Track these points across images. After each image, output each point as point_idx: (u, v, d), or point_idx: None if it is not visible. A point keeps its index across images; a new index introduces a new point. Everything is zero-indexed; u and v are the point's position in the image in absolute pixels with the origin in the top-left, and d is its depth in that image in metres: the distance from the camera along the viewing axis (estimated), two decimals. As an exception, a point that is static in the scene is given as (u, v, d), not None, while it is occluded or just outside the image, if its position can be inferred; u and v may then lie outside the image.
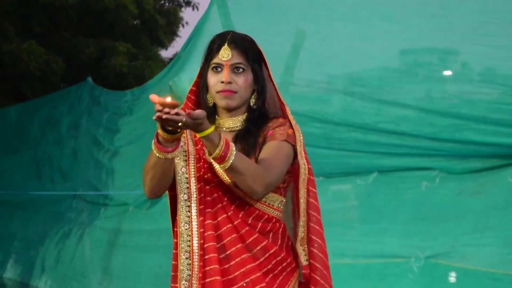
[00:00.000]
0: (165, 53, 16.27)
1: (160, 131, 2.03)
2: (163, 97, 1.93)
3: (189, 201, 2.20)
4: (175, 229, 2.25)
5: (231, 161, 2.03)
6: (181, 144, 2.17)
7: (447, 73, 4.33)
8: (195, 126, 1.98)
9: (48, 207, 8.66)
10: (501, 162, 4.12)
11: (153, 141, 2.08)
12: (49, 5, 11.03)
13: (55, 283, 7.79)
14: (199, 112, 1.96)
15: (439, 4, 4.35)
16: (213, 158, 2.05)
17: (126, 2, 12.08)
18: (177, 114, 1.91)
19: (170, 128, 2.00)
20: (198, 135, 2.02)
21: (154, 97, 1.92)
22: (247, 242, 2.18)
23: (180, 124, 1.94)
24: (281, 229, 2.29)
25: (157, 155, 2.07)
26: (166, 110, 1.91)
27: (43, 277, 8.06)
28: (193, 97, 2.39)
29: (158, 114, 1.92)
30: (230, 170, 2.07)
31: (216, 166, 2.18)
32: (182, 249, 2.20)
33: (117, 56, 12.01)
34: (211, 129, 2.01)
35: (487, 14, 4.17)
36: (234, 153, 2.04)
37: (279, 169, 2.18)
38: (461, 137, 4.14)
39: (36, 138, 9.07)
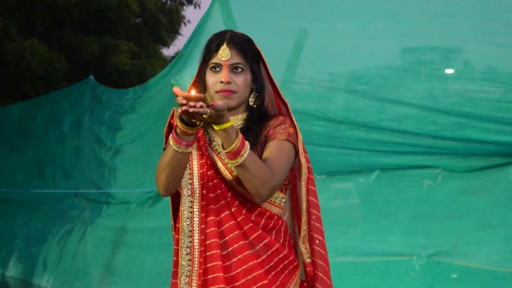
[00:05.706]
0: (167, 52, 16.34)
1: (179, 124, 2.03)
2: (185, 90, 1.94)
3: (192, 197, 2.20)
4: (177, 225, 2.26)
5: (244, 157, 2.04)
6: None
7: (450, 71, 4.32)
8: (218, 118, 1.99)
9: (50, 205, 8.67)
10: (504, 160, 4.12)
11: (170, 135, 2.08)
12: (52, 4, 11.02)
13: (57, 281, 7.79)
14: (222, 104, 1.97)
15: (442, 3, 4.34)
16: (227, 152, 2.05)
17: (128, 1, 12.06)
18: (201, 106, 1.92)
19: (194, 120, 2.00)
20: (216, 128, 2.02)
21: (177, 90, 1.94)
22: (250, 238, 2.19)
23: (205, 116, 1.95)
24: (283, 227, 2.30)
25: (175, 148, 2.08)
26: (192, 103, 1.92)
27: (45, 275, 8.06)
28: None
29: (184, 108, 1.93)
30: (240, 167, 2.06)
31: (225, 162, 2.19)
32: (183, 245, 2.21)
33: (119, 55, 12.00)
34: (230, 123, 2.02)
35: (490, 12, 4.16)
36: (248, 150, 2.05)
37: (282, 171, 2.19)
38: (463, 135, 4.13)
39: (39, 136, 9.07)
